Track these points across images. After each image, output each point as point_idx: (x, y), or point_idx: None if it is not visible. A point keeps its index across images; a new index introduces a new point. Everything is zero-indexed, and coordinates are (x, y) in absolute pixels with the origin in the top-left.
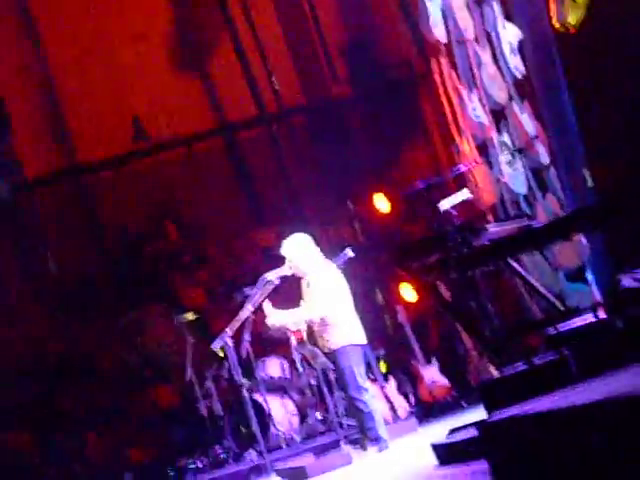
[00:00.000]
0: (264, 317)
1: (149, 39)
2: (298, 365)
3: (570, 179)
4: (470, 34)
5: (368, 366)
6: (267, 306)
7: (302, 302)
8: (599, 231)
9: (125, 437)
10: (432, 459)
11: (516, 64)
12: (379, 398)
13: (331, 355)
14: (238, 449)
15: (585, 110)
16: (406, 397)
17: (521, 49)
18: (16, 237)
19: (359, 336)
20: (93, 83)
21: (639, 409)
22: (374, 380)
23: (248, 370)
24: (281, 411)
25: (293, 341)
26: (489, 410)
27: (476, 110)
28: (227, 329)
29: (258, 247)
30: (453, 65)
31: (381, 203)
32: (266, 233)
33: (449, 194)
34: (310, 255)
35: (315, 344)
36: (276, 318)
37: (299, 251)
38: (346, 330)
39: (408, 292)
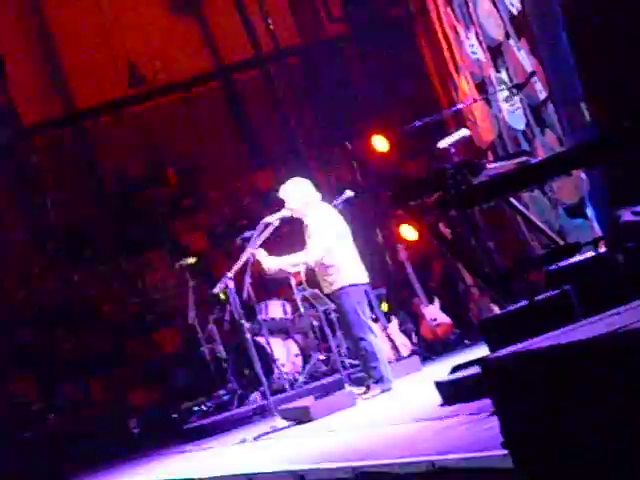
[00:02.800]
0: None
1: None
2: (300, 307)
3: (568, 114)
4: None
5: (370, 306)
6: (260, 253)
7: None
8: (598, 166)
9: (128, 382)
10: (436, 398)
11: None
12: (381, 337)
13: (333, 296)
14: (242, 392)
15: (582, 45)
16: (408, 336)
17: None
18: (15, 186)
19: (360, 276)
20: (88, 28)
21: None
22: (376, 320)
23: (250, 313)
24: (284, 353)
25: (292, 283)
26: (491, 347)
27: (473, 47)
28: (228, 272)
29: (257, 190)
30: (449, 2)
31: (379, 143)
32: (265, 176)
33: (448, 133)
34: (308, 198)
35: (316, 285)
36: (272, 263)
37: (298, 194)
38: (347, 271)
39: (408, 231)
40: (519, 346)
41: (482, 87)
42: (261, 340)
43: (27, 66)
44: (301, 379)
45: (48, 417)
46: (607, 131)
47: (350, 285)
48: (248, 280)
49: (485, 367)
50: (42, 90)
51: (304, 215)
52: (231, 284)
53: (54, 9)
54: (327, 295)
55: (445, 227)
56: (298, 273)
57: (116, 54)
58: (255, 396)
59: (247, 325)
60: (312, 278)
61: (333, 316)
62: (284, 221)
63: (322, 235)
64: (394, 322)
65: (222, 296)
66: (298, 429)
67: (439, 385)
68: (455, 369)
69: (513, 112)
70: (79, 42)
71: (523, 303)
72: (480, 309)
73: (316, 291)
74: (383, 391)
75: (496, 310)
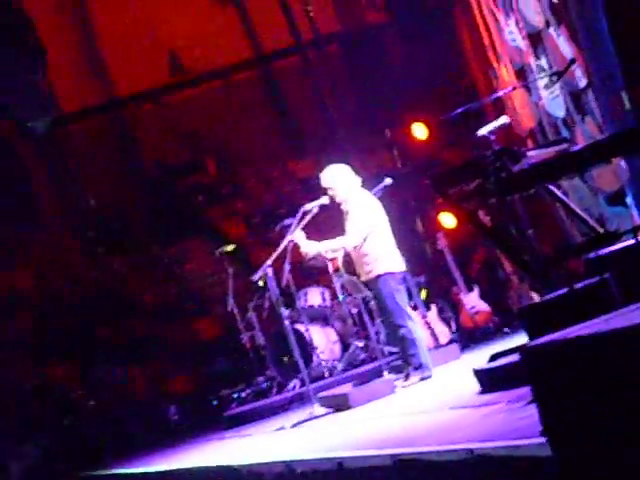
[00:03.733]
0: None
1: None
2: (339, 294)
3: (608, 102)
4: None
5: (409, 294)
6: (299, 235)
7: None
8: (639, 154)
9: (168, 369)
10: (475, 385)
11: None
12: (420, 325)
13: (370, 283)
14: (280, 379)
15: (623, 32)
16: (447, 324)
17: None
18: (54, 173)
19: (398, 264)
20: (128, 16)
21: None
22: (415, 308)
23: (289, 300)
24: (323, 340)
25: (330, 269)
26: (531, 335)
27: (513, 34)
28: (267, 260)
29: (296, 178)
30: None
31: (419, 130)
32: (304, 163)
33: (487, 120)
34: (349, 184)
35: (354, 273)
36: (310, 247)
37: (339, 179)
38: (385, 258)
39: (448, 219)
40: (558, 334)
41: (522, 74)
42: (300, 327)
43: (68, 54)
44: (340, 366)
45: (88, 403)
46: None
47: (387, 273)
48: (287, 267)
49: (524, 355)
50: (82, 78)
51: (344, 200)
52: (270, 271)
53: None
54: (364, 282)
55: (485, 215)
56: (335, 259)
57: (156, 42)
58: (294, 383)
59: (286, 312)
60: (350, 265)
61: (372, 303)
62: (323, 209)
63: (361, 221)
64: (433, 310)
65: (261, 283)
66: (336, 416)
67: (478, 373)
68: (494, 357)
69: (553, 99)
70: (119, 30)
71: (562, 291)
72: (519, 297)
73: (353, 278)
74: (422, 379)
75: (535, 298)
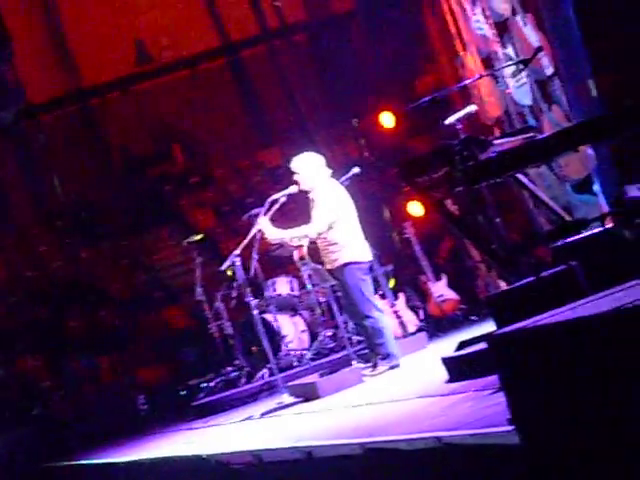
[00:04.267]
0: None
1: None
2: (307, 283)
3: (575, 90)
4: None
5: (377, 283)
6: (264, 222)
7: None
8: (605, 142)
9: (137, 359)
10: (443, 374)
11: None
12: (388, 314)
13: (335, 272)
14: (249, 368)
15: (589, 20)
16: (415, 313)
17: None
18: (23, 163)
19: (364, 253)
20: (95, 6)
21: None
22: (383, 296)
23: (257, 289)
24: (291, 329)
25: (295, 257)
26: (498, 323)
27: (479, 22)
28: (235, 249)
29: (264, 167)
30: None
31: (386, 119)
32: (271, 153)
33: (454, 109)
34: (319, 172)
35: (320, 261)
36: (274, 234)
37: (309, 167)
38: (351, 248)
39: (416, 208)
40: (526, 322)
41: (488, 63)
42: (268, 317)
43: (34, 45)
44: (308, 356)
45: (56, 394)
46: (613, 107)
47: (353, 262)
48: (255, 257)
49: (492, 343)
50: (49, 68)
51: (312, 189)
52: (238, 261)
53: None
54: (329, 271)
55: (452, 204)
56: (301, 248)
57: (123, 32)
58: (262, 373)
59: (254, 302)
60: (316, 254)
61: (340, 292)
62: (291, 198)
63: (327, 209)
64: (401, 299)
65: (229, 273)
66: (305, 406)
67: (446, 361)
68: (462, 345)
69: (519, 88)
70: (86, 20)
71: (530, 279)
72: (487, 285)
73: (319, 266)
74: (390, 368)
75: (503, 286)
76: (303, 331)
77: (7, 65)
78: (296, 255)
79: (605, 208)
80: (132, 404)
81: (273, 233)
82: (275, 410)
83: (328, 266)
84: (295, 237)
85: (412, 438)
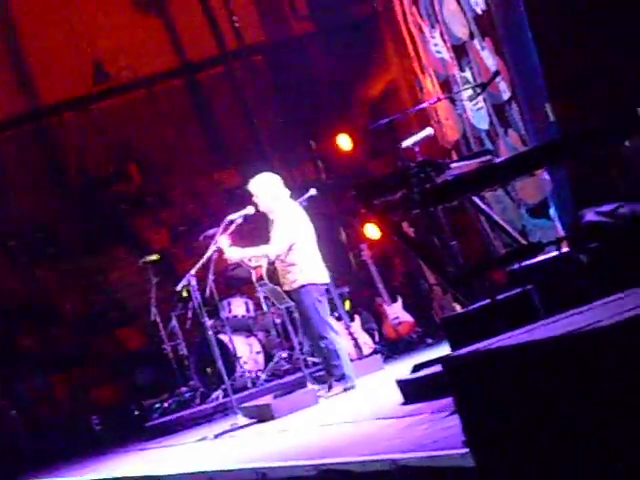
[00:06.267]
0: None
1: None
2: (263, 304)
3: (532, 114)
4: None
5: (333, 304)
6: (223, 240)
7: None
8: (561, 166)
9: (91, 379)
10: (398, 396)
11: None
12: (344, 336)
13: (293, 293)
14: (204, 389)
15: (546, 44)
16: (371, 335)
17: None
18: None
19: (322, 276)
20: (52, 24)
21: (601, 343)
22: (339, 318)
23: (213, 310)
24: (246, 350)
25: (253, 277)
26: (453, 346)
27: (438, 46)
28: (191, 270)
29: (221, 188)
30: (414, 0)
31: (344, 142)
32: (229, 174)
33: (412, 132)
34: (276, 193)
35: (278, 283)
36: (233, 253)
37: (268, 188)
38: (309, 269)
39: (372, 230)
40: (480, 345)
41: (446, 86)
42: (223, 337)
43: None
44: (263, 377)
45: (9, 414)
46: (570, 131)
47: (310, 284)
48: (211, 277)
49: (446, 366)
50: (6, 87)
51: (271, 211)
52: (194, 281)
53: (19, 5)
54: (287, 292)
55: (409, 226)
56: (259, 268)
57: (81, 51)
58: (217, 394)
59: (209, 322)
60: (274, 275)
61: (296, 314)
62: (248, 219)
63: (286, 230)
64: (357, 321)
65: (185, 293)
66: (260, 427)
67: (401, 384)
68: (417, 368)
69: (477, 112)
70: (44, 38)
71: (485, 302)
72: (442, 308)
73: (276, 288)
74: (345, 389)
75: (458, 309)
76: (258, 352)
77: None
78: (254, 276)
79: (561, 232)
80: (86, 424)
81: (232, 252)
82: (229, 431)
83: (286, 287)
84: (254, 256)
85: (367, 460)
